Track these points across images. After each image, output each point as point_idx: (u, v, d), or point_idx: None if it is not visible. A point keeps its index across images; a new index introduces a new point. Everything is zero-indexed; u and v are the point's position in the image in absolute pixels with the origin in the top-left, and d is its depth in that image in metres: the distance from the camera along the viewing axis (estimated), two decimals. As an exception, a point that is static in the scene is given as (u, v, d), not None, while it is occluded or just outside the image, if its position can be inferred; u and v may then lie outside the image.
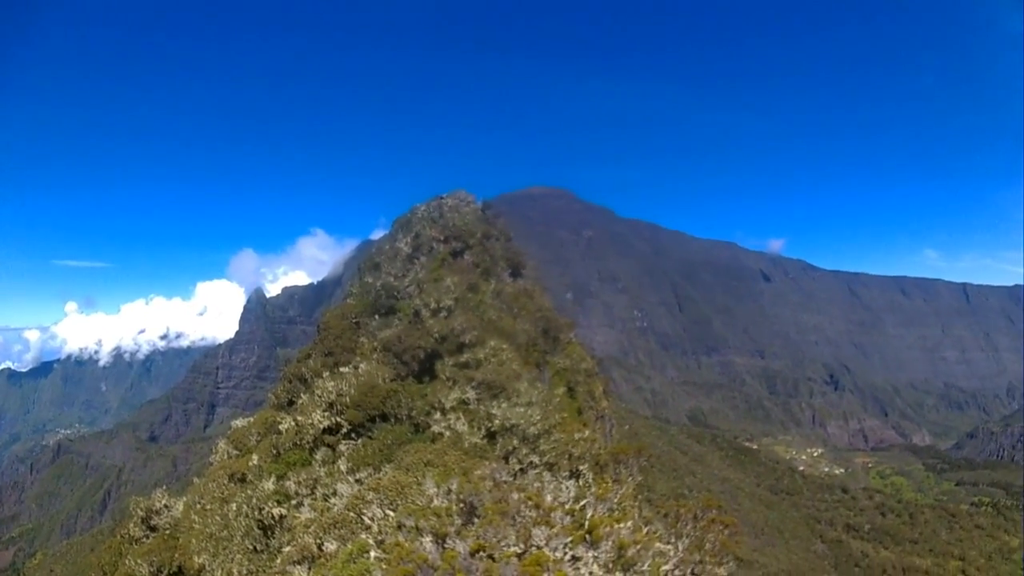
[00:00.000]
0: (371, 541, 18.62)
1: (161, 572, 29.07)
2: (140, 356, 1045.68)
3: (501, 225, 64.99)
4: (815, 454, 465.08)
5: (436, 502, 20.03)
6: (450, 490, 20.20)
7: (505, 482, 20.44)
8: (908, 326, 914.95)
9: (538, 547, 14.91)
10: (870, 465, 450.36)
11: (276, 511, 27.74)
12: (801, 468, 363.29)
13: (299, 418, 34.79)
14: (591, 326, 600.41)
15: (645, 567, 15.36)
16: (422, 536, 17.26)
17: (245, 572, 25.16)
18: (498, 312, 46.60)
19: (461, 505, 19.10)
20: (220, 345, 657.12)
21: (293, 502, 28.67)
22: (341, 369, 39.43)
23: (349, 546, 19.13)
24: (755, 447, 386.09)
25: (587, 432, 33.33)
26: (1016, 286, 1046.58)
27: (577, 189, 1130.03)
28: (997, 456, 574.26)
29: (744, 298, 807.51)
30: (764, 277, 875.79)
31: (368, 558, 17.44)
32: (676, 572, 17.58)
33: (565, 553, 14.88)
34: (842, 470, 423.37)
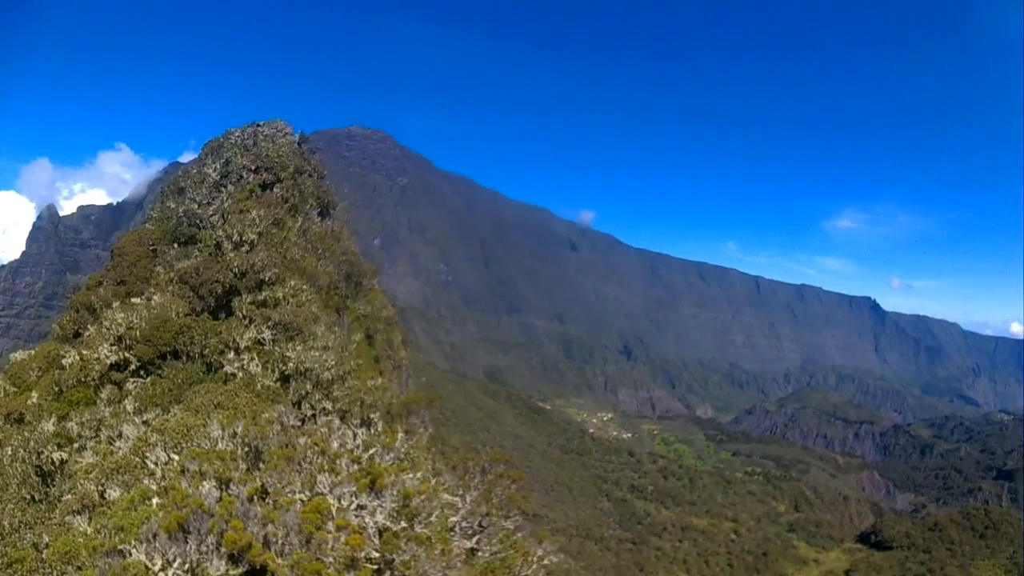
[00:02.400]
0: (154, 487, 17.44)
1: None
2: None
3: (316, 162, 62.69)
4: (605, 418, 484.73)
5: (221, 445, 19.00)
6: (235, 433, 19.19)
7: (293, 427, 19.64)
8: (702, 308, 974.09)
9: (322, 494, 14.35)
10: (656, 432, 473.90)
11: (56, 455, 25.74)
12: (591, 430, 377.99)
13: (85, 352, 32.25)
14: (396, 275, 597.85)
15: (433, 518, 15.06)
16: (205, 481, 16.28)
17: (19, 524, 22.90)
18: (302, 251, 44.94)
19: (247, 449, 18.18)
20: (3, 267, 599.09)
21: (75, 445, 26.63)
22: (133, 300, 36.94)
23: (131, 492, 17.79)
24: (548, 407, 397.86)
25: (381, 381, 32.75)
26: (803, 285, 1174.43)
27: (398, 134, 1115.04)
28: (771, 432, 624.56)
29: (550, 263, 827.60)
30: (572, 246, 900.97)
31: (150, 505, 16.27)
32: (463, 523, 17.40)
33: (351, 501, 14.33)
34: (630, 435, 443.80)
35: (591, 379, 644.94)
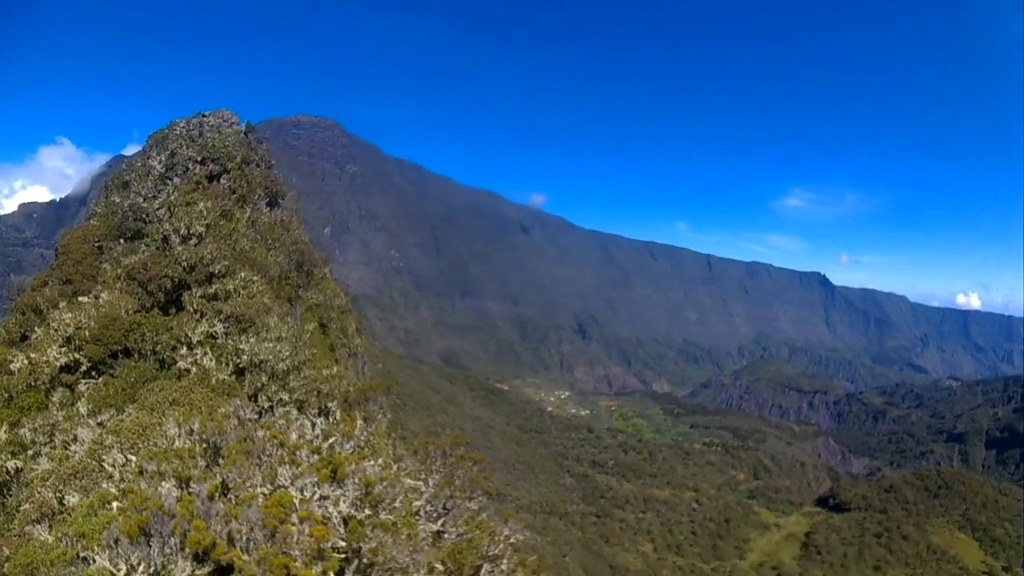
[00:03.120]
0: (113, 490, 17.11)
1: None
2: None
3: (263, 151, 61.81)
4: (563, 396, 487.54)
5: (178, 443, 18.74)
6: (192, 430, 18.93)
7: (250, 420, 19.44)
8: (655, 287, 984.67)
9: (283, 487, 14.24)
10: (613, 408, 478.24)
11: (11, 464, 25.18)
12: (549, 409, 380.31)
13: (33, 355, 31.44)
14: (347, 263, 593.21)
15: (397, 503, 15.04)
16: (164, 481, 16.04)
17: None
18: (251, 242, 44.30)
19: (204, 446, 17.96)
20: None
21: (30, 452, 25.98)
22: (80, 299, 36.07)
23: (90, 497, 17.44)
24: (506, 388, 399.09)
25: (337, 369, 32.49)
26: (754, 262, 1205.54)
27: (346, 122, 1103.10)
28: (727, 404, 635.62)
29: (502, 247, 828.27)
30: (523, 229, 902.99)
31: (111, 509, 15.96)
32: (428, 507, 17.43)
33: (313, 492, 14.26)
34: (588, 412, 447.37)
35: (547, 359, 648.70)
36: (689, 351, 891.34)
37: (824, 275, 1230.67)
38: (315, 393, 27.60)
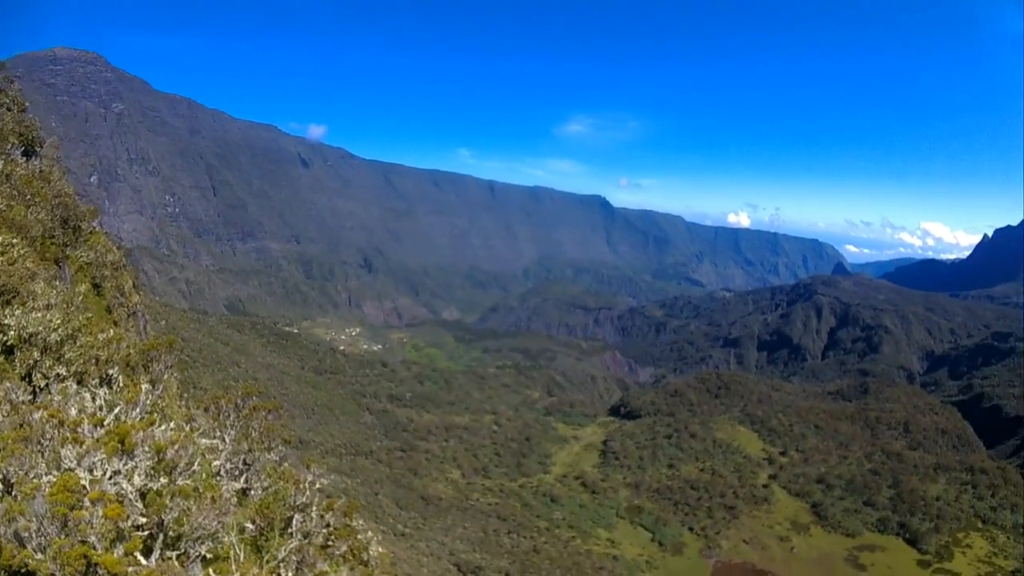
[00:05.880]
0: None
1: None
2: None
3: (15, 92, 55.84)
4: (354, 333, 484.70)
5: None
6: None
7: (24, 403, 17.93)
8: (439, 215, 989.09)
9: (70, 470, 13.21)
10: (406, 340, 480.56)
11: None
12: (342, 348, 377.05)
13: None
14: (118, 213, 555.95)
15: (196, 466, 14.38)
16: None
17: None
18: (7, 200, 40.36)
19: (-25, 439, 16.39)
20: None
21: None
22: None
23: None
24: (296, 331, 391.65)
25: (115, 332, 30.52)
26: (536, 187, 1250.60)
27: (110, 55, 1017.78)
28: (516, 326, 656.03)
29: (281, 183, 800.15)
30: (303, 162, 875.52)
31: None
32: (228, 465, 16.86)
33: (103, 470, 13.31)
34: (380, 346, 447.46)
35: (335, 297, 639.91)
36: (476, 277, 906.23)
37: (605, 198, 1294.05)
38: (94, 362, 25.75)
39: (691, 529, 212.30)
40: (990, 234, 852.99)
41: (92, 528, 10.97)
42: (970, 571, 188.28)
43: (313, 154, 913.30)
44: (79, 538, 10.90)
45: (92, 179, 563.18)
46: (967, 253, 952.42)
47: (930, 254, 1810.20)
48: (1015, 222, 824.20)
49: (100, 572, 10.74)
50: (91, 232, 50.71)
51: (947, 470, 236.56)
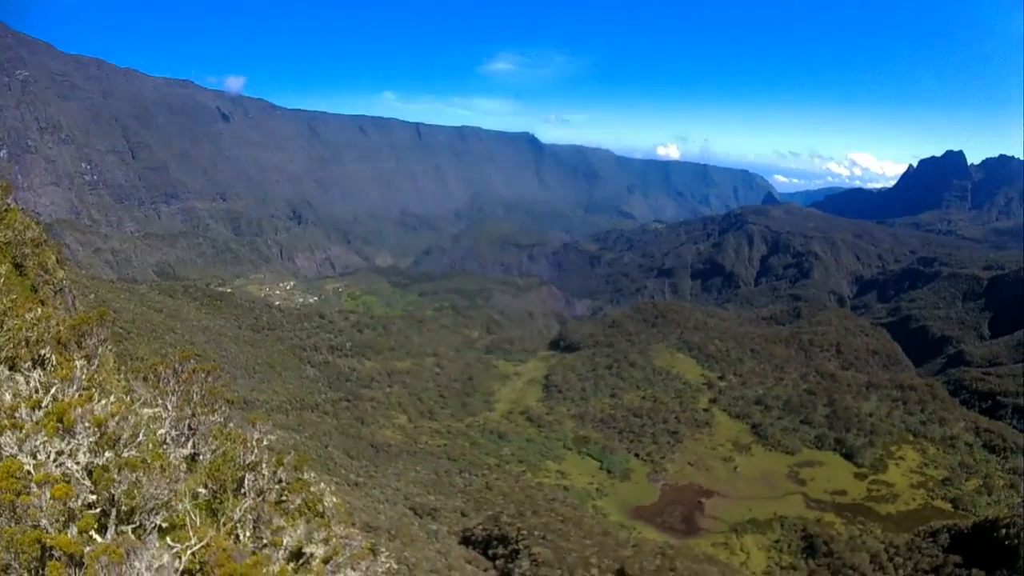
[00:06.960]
0: None
1: None
2: None
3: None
4: (288, 287, 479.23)
5: None
6: None
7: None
8: (366, 161, 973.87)
9: (12, 455, 12.93)
10: (341, 289, 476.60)
11: None
12: (277, 303, 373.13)
13: None
14: (33, 187, 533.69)
15: (141, 437, 14.21)
16: None
17: None
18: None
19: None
20: None
21: None
22: None
23: None
24: (229, 291, 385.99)
25: (43, 311, 29.77)
26: (463, 127, 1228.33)
27: (9, 18, 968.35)
28: (451, 268, 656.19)
29: (202, 140, 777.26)
30: (223, 117, 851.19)
31: None
32: (174, 433, 16.70)
33: (47, 452, 13.07)
34: (316, 298, 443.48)
35: (266, 252, 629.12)
36: (407, 221, 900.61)
37: (533, 135, 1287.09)
38: (24, 344, 25.10)
39: (637, 455, 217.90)
40: (915, 164, 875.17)
41: (42, 512, 10.80)
42: (903, 481, 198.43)
43: (233, 107, 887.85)
44: (30, 523, 10.73)
45: (1, 153, 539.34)
46: (893, 182, 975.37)
47: (858, 183, 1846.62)
48: (939, 152, 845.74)
49: (56, 554, 10.59)
50: (6, 210, 49.03)
51: (878, 388, 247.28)
